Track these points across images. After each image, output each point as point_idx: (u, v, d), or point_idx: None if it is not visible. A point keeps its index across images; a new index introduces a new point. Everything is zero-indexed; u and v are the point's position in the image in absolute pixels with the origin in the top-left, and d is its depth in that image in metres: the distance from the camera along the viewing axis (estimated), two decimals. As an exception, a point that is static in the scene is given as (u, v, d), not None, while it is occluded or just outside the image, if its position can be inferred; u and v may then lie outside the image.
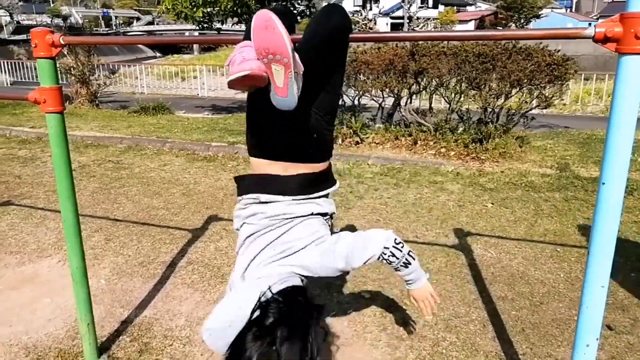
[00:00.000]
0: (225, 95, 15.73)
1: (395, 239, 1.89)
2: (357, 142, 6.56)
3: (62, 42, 2.11)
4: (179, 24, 47.89)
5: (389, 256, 1.87)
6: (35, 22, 58.24)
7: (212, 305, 3.08)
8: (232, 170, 5.90)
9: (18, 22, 55.59)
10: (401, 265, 1.92)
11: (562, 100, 7.44)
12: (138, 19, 70.33)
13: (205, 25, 9.06)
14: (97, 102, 11.53)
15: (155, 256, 3.74)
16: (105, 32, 55.61)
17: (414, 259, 1.95)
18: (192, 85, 17.16)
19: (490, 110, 6.40)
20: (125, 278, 3.44)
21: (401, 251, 1.89)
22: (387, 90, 6.54)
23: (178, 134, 7.66)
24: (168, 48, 48.48)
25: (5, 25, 51.20)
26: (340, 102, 6.87)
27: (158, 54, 48.66)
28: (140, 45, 51.22)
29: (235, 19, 9.06)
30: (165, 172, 5.84)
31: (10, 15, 56.73)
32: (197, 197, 4.99)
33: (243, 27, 9.36)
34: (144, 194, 5.07)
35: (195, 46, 46.90)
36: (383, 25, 47.28)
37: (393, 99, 6.77)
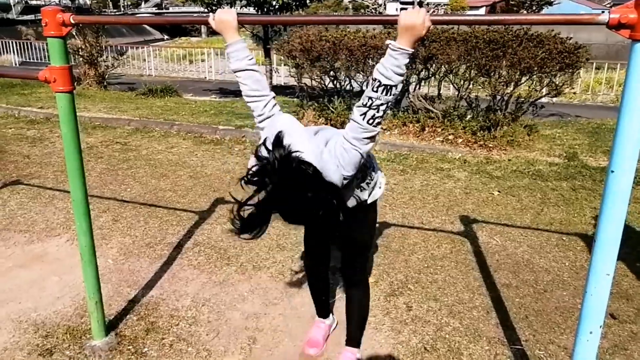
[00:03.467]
0: (233, 79, 15.64)
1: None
2: (365, 128, 6.53)
3: (73, 22, 2.11)
4: (187, 6, 47.60)
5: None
6: (43, 3, 58.08)
7: (218, 287, 3.12)
8: (239, 154, 5.91)
9: (26, 2, 55.41)
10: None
11: (573, 89, 7.37)
12: (146, 0, 69.90)
13: (214, 7, 9.01)
14: (105, 83, 11.54)
15: (162, 237, 3.77)
16: (113, 13, 55.36)
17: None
18: (199, 68, 17.11)
19: (499, 97, 6.34)
20: (133, 258, 3.47)
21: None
22: (396, 75, 6.48)
23: (185, 116, 7.66)
24: (176, 30, 48.17)
25: (14, 5, 51.03)
26: (348, 87, 6.84)
27: (166, 37, 48.41)
28: (148, 28, 50.95)
29: (244, 2, 9.00)
30: (172, 155, 5.86)
31: (18, -5, 56.50)
32: (204, 179, 5.01)
33: (251, 9, 9.31)
34: (151, 176, 5.10)
35: (204, 29, 46.63)
36: (392, 11, 46.79)
37: (401, 84, 6.72)
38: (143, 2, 69.11)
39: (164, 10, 55.18)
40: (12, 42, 19.64)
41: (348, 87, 6.83)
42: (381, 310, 2.87)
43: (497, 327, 2.73)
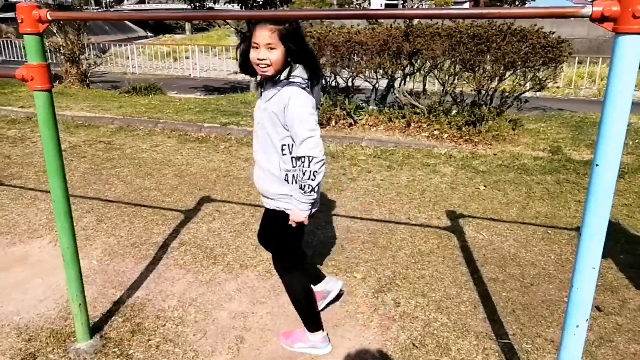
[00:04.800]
0: (218, 75, 15.60)
1: (317, 163, 2.07)
2: (351, 124, 6.53)
3: (50, 18, 2.06)
4: (170, 3, 47.08)
5: (304, 165, 2.08)
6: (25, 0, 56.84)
7: (204, 286, 3.09)
8: (225, 152, 5.87)
9: (6, 0, 54.45)
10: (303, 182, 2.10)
11: (556, 83, 7.43)
12: (128, -3, 69.06)
13: (197, 4, 8.91)
14: (87, 81, 11.37)
15: (148, 237, 3.72)
16: (95, 10, 54.67)
17: (313, 191, 2.13)
18: (184, 65, 16.97)
19: (484, 92, 6.38)
20: (118, 259, 3.42)
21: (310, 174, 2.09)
22: (381, 71, 6.49)
23: (170, 114, 7.58)
24: (160, 28, 47.59)
25: (-7, 3, 50.04)
26: (334, 84, 6.82)
27: (149, 34, 47.85)
28: (131, 25, 50.31)
29: (227, -2, 8.93)
30: (157, 153, 5.80)
31: (-2, -8, 55.49)
32: (189, 178, 4.97)
33: (235, 6, 9.23)
34: (135, 175, 5.03)
35: (188, 26, 46.18)
36: (377, 6, 46.76)
37: (387, 80, 6.72)
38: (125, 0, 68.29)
39: (146, 7, 54.51)
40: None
41: (333, 84, 6.81)
42: (369, 307, 2.87)
43: (484, 321, 2.74)
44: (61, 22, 10.13)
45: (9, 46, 19.13)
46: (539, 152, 5.80)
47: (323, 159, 2.10)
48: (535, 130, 6.82)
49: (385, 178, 4.96)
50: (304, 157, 2.07)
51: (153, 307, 2.88)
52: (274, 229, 2.43)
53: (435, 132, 6.20)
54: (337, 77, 6.71)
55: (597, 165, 1.50)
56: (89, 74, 11.54)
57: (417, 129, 6.33)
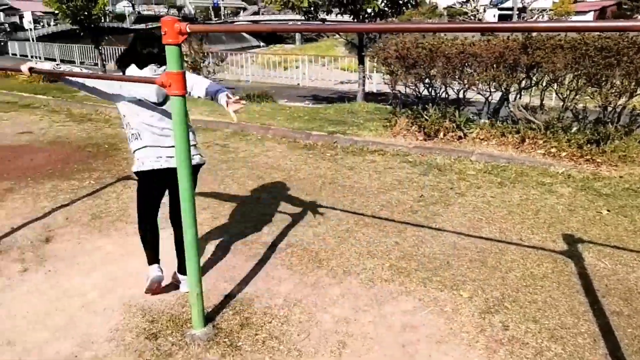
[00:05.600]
0: (325, 85, 15.96)
1: None
2: (460, 137, 6.34)
3: (189, 30, 2.26)
4: (282, 14, 49.22)
5: None
6: (153, 12, 62.82)
7: (309, 288, 3.18)
8: (330, 160, 5.99)
9: (139, 13, 60.41)
10: None
11: (698, 101, 6.64)
12: (244, 9, 73.30)
13: (310, 15, 9.22)
14: (206, 88, 12.17)
15: (257, 237, 3.91)
16: (215, 21, 58.67)
17: None
18: (292, 74, 17.58)
19: (611, 109, 5.87)
20: (229, 255, 3.63)
21: None
22: (495, 84, 6.24)
23: (281, 121, 7.91)
24: (272, 38, 49.96)
25: (128, 16, 55.80)
26: (443, 95, 6.68)
27: (262, 44, 50.38)
28: (245, 35, 53.33)
29: (341, 9, 9.11)
30: (268, 158, 6.07)
31: (133, 6, 61.77)
32: (297, 183, 5.14)
33: (347, 17, 9.40)
34: (248, 177, 5.32)
35: (298, 37, 47.96)
36: (491, 17, 45.11)
37: (501, 93, 6.46)
38: (242, 11, 72.51)
39: (260, 18, 57.40)
40: (121, 49, 21.41)
41: (443, 95, 6.67)
42: (475, 327, 2.76)
43: (605, 357, 2.52)
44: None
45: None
46: (675, 177, 5.21)
47: None
48: (670, 152, 6.14)
49: (496, 195, 4.75)
50: None
51: (260, 304, 3.01)
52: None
53: (553, 150, 5.83)
54: (448, 88, 6.57)
55: None
56: (208, 81, 12.38)
57: (532, 146, 5.99)
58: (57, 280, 3.29)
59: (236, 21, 56.38)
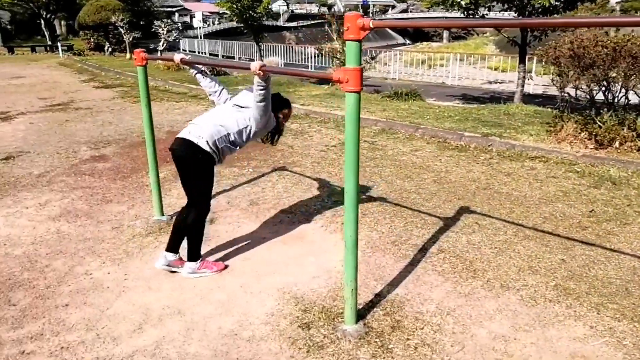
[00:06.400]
0: (471, 84, 15.26)
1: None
2: None
3: (372, 26, 2.23)
4: (431, 12, 48.09)
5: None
6: (305, 11, 65.81)
7: (463, 298, 3.01)
8: (485, 163, 5.66)
9: (292, 12, 63.71)
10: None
11: None
12: (393, 6, 73.19)
13: (470, 12, 8.80)
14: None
15: (407, 238, 3.82)
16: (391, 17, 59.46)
17: None
18: (438, 73, 17.09)
19: None
20: (379, 253, 3.60)
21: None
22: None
23: (430, 121, 7.69)
24: (418, 35, 49.20)
25: (282, 14, 59.14)
26: (623, 100, 5.93)
27: (407, 41, 49.88)
28: (391, 32, 53.26)
29: (504, 6, 8.54)
30: (416, 157, 5.94)
31: (287, 4, 65.32)
32: (448, 185, 4.94)
33: (512, 14, 8.81)
34: (396, 176, 5.24)
35: (445, 34, 46.55)
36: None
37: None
38: (390, 9, 72.56)
39: (409, 15, 56.78)
40: (277, 46, 22.70)
41: (623, 100, 5.91)
42: None
43: None
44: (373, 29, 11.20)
45: (289, 51, 22.21)
46: None
47: None
48: None
49: (687, 218, 4.08)
50: None
51: (411, 308, 2.93)
52: None
53: None
54: (628, 92, 5.80)
55: None
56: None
57: None
58: (219, 260, 3.54)
59: (384, 19, 56.54)
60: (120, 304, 3.01)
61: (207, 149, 3.06)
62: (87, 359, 2.53)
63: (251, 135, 3.23)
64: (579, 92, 6.01)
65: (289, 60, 21.92)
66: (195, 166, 3.11)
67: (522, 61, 9.14)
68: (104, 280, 3.28)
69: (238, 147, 3.24)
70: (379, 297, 3.05)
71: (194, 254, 3.32)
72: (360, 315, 2.84)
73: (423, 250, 3.63)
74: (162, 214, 4.23)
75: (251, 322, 2.83)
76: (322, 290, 3.13)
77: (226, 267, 3.42)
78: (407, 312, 2.88)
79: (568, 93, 6.22)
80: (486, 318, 2.82)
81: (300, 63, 20.74)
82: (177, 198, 4.59)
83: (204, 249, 3.71)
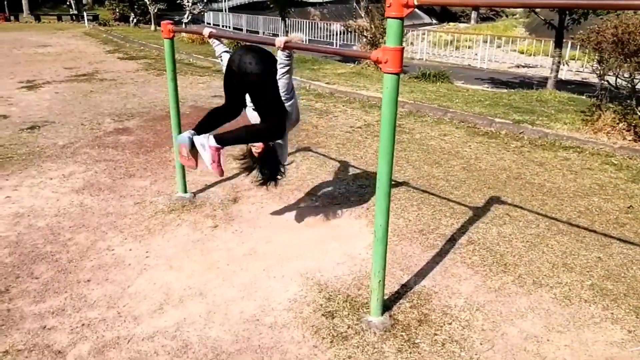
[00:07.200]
0: (498, 68, 14.83)
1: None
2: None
3: (416, 3, 2.08)
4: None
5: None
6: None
7: (493, 294, 2.90)
8: (516, 152, 5.46)
9: (318, -13, 62.61)
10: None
11: None
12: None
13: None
14: (380, 64, 12.08)
15: (435, 227, 3.70)
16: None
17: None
18: (464, 54, 16.64)
19: None
20: (405, 242, 3.49)
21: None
22: None
23: (459, 104, 7.47)
24: (445, 15, 47.98)
25: (308, -11, 58.14)
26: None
27: (434, 21, 48.71)
28: (418, 12, 52.06)
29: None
30: (445, 142, 5.76)
31: (313, -21, 64.17)
32: (477, 173, 4.77)
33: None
34: (424, 161, 5.09)
35: (473, 15, 45.33)
36: None
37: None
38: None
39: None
40: (302, 22, 22.35)
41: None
42: None
43: None
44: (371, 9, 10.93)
45: (313, 27, 21.85)
46: None
47: None
48: None
49: None
50: None
51: (439, 301, 2.82)
52: None
53: None
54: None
55: None
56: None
57: None
58: (242, 241, 3.48)
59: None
60: (142, 282, 2.97)
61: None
62: (107, 337, 2.50)
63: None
64: (619, 81, 5.73)
65: (314, 37, 21.56)
66: (273, 78, 3.02)
67: (558, 45, 8.78)
68: (125, 257, 3.24)
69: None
70: (405, 288, 2.95)
71: (223, 141, 3.31)
72: (386, 306, 2.75)
73: (451, 240, 3.50)
74: (185, 191, 4.17)
75: (273, 307, 2.76)
76: (347, 278, 3.04)
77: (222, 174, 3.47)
78: (434, 306, 2.78)
79: (607, 81, 5.93)
80: (517, 316, 2.71)
81: (325, 40, 20.40)
82: (200, 175, 4.53)
83: (225, 229, 3.65)
